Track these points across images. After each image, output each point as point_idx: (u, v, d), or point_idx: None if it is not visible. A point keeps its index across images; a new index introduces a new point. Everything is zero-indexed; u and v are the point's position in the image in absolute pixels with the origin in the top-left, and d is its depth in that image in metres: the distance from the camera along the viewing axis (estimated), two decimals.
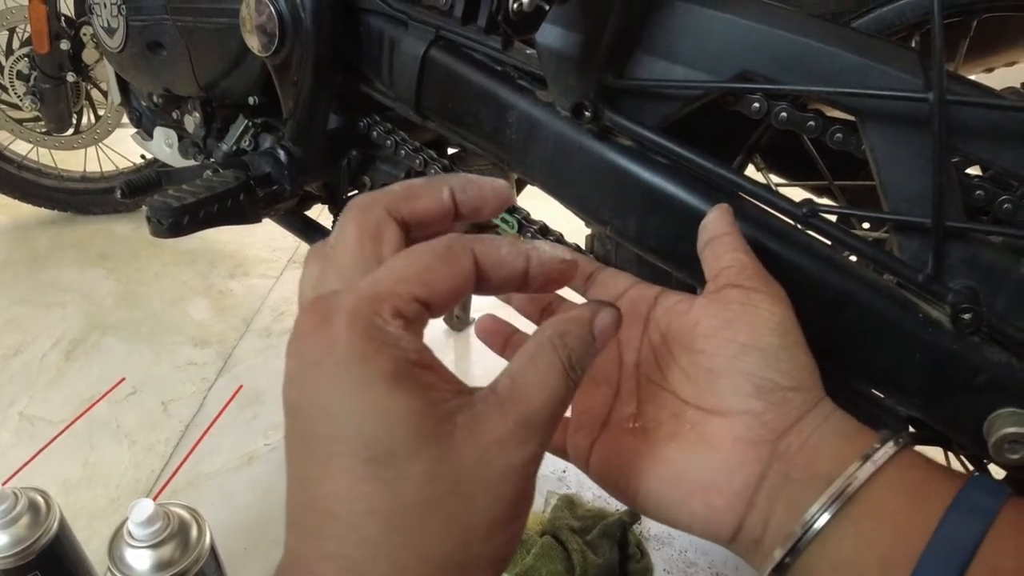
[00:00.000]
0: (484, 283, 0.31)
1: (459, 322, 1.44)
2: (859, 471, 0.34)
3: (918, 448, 0.55)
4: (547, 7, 0.47)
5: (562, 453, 0.44)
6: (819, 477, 0.34)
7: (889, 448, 0.34)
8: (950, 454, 0.64)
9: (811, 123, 0.46)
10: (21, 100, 1.76)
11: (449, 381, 0.29)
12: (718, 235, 0.42)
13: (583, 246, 0.69)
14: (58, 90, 1.73)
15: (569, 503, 1.02)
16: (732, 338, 0.38)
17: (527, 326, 0.44)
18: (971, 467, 0.63)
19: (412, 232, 0.34)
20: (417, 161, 0.75)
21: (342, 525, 0.26)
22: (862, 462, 0.34)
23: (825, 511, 0.33)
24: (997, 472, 0.58)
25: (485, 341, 0.47)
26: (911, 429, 0.50)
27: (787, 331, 0.38)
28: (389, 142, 0.76)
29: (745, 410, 0.36)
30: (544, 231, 0.67)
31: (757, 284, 0.39)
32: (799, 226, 0.47)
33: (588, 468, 0.41)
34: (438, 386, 0.28)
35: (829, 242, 0.47)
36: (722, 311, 0.39)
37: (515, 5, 0.42)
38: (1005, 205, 0.43)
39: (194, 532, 0.71)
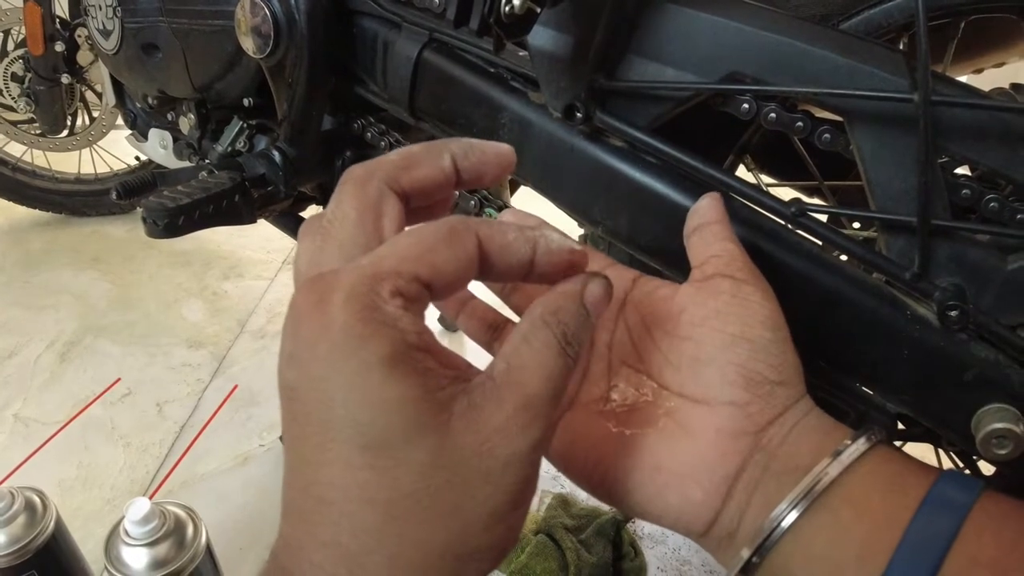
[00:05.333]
0: (487, 269, 0.30)
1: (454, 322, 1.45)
2: (829, 467, 0.33)
3: (908, 444, 0.55)
4: (539, 10, 0.47)
5: None
6: (798, 470, 0.34)
7: (860, 445, 0.34)
8: (940, 451, 0.65)
9: (800, 124, 0.46)
10: (16, 102, 1.77)
11: (449, 365, 0.28)
12: (708, 222, 0.42)
13: None
14: (53, 92, 1.73)
15: (563, 502, 1.02)
16: (722, 328, 0.37)
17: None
18: (960, 463, 0.63)
19: (412, 202, 0.33)
20: None
21: (337, 513, 0.26)
22: (832, 459, 0.34)
23: (794, 508, 0.33)
24: (987, 468, 0.59)
25: (438, 306, 0.45)
26: (900, 426, 0.50)
27: (777, 326, 0.37)
28: (383, 143, 0.77)
29: (730, 401, 0.36)
30: None
31: (747, 276, 0.39)
32: (788, 225, 0.47)
33: (548, 450, 0.39)
34: (436, 371, 0.27)
35: (818, 241, 0.47)
36: (711, 300, 0.38)
37: (507, 8, 0.42)
38: (991, 204, 0.43)
39: (190, 531, 0.71)
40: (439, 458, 0.26)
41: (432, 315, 1.46)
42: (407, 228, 0.30)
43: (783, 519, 0.33)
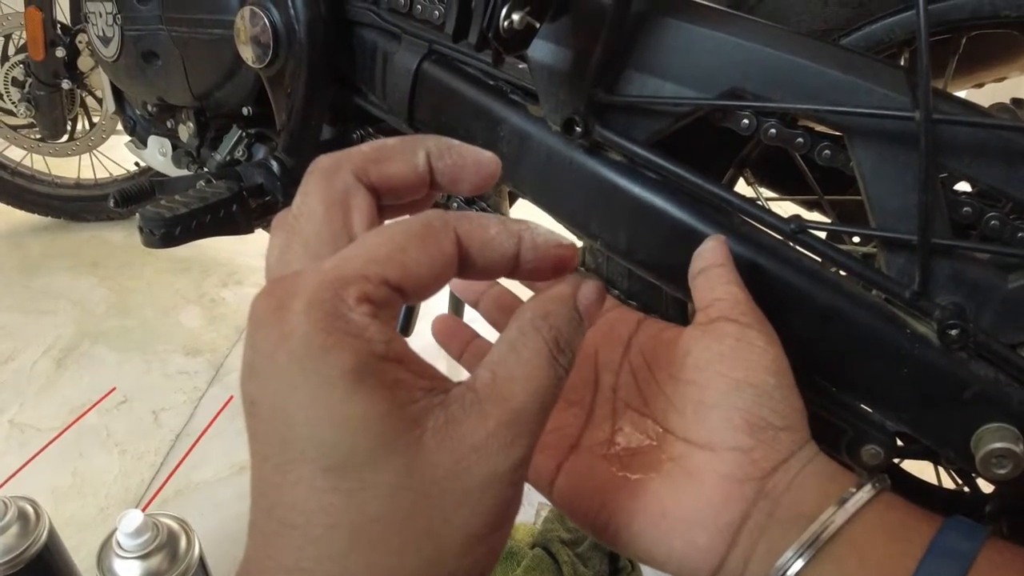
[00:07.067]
0: (468, 266, 0.28)
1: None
2: (835, 515, 0.33)
3: (908, 461, 0.55)
4: (538, 25, 0.47)
5: None
6: (803, 517, 0.34)
7: (865, 492, 0.34)
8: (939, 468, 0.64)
9: (800, 139, 0.46)
10: (16, 106, 1.77)
11: (423, 376, 0.26)
12: (712, 265, 0.41)
13: None
14: (53, 97, 1.73)
15: (560, 515, 1.02)
16: (727, 373, 0.36)
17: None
18: (959, 481, 0.63)
19: (383, 199, 0.30)
20: None
21: (301, 538, 0.24)
22: (837, 507, 0.33)
23: (799, 557, 0.32)
24: (986, 487, 0.59)
25: (442, 344, 0.45)
26: (900, 443, 0.50)
27: (781, 371, 0.37)
28: None
29: (735, 446, 0.35)
30: None
31: (751, 321, 0.38)
32: (788, 242, 0.47)
33: (552, 492, 0.39)
34: (407, 383, 0.25)
35: (818, 258, 0.47)
36: (716, 344, 0.37)
37: (506, 23, 0.42)
38: (992, 222, 0.43)
39: (183, 543, 0.71)
40: (409, 479, 0.24)
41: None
42: (386, 223, 0.27)
43: (789, 568, 0.33)
